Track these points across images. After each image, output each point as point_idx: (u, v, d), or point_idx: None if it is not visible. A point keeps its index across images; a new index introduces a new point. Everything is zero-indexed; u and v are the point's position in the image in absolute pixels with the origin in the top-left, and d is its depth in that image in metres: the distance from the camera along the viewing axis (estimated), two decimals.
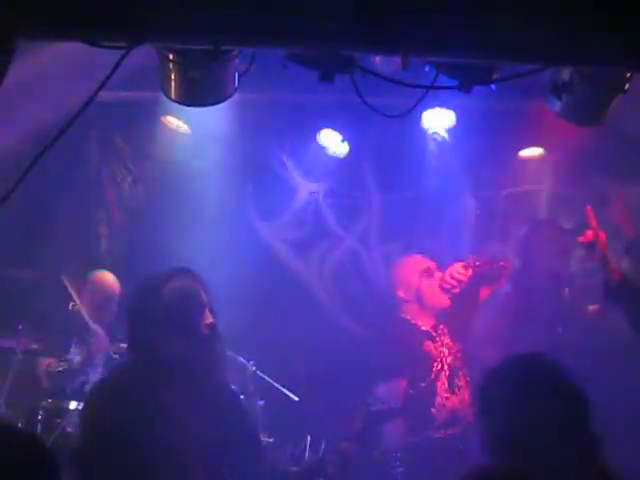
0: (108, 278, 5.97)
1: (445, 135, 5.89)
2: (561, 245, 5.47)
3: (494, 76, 3.42)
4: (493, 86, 3.50)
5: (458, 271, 4.92)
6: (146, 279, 3.69)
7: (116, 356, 5.49)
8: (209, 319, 3.56)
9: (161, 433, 3.36)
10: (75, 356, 5.46)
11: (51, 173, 5.30)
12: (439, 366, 4.79)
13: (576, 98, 3.58)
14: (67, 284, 5.71)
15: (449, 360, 4.83)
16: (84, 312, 5.70)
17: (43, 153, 2.98)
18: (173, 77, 3.38)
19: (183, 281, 3.57)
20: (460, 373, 4.84)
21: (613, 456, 2.65)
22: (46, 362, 5.63)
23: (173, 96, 3.46)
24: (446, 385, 4.76)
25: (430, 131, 5.88)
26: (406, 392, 4.64)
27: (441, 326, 4.99)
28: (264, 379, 5.55)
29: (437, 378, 4.75)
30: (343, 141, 6.07)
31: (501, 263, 5.17)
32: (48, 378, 5.58)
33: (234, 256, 5.78)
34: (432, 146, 5.95)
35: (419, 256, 5.24)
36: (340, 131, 6.03)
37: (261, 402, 5.53)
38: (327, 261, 6.23)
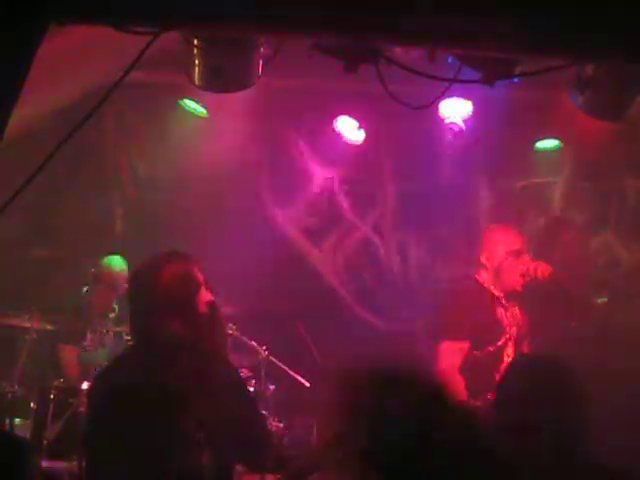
0: (115, 265, 5.88)
1: (462, 125, 5.86)
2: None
3: (517, 70, 3.42)
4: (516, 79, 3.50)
5: (542, 272, 4.76)
6: (142, 264, 3.65)
7: (127, 337, 5.51)
8: (208, 297, 3.52)
9: (162, 417, 3.38)
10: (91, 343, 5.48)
11: (68, 154, 5.30)
12: (508, 335, 4.74)
13: (599, 94, 3.58)
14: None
15: (516, 329, 4.77)
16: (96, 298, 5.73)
17: (65, 141, 2.97)
18: (197, 63, 3.38)
19: (178, 263, 3.53)
20: (524, 342, 4.80)
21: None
22: (68, 349, 5.68)
23: (197, 82, 3.45)
24: (512, 353, 4.72)
25: (447, 120, 5.85)
26: (469, 353, 4.58)
27: None
28: (276, 364, 5.58)
29: (505, 345, 4.71)
30: (359, 128, 6.05)
31: None
32: (71, 367, 5.65)
33: (249, 241, 5.78)
34: (448, 135, 5.92)
35: (516, 233, 5.01)
36: (356, 118, 6.02)
37: (272, 387, 5.56)
38: (341, 248, 6.23)
